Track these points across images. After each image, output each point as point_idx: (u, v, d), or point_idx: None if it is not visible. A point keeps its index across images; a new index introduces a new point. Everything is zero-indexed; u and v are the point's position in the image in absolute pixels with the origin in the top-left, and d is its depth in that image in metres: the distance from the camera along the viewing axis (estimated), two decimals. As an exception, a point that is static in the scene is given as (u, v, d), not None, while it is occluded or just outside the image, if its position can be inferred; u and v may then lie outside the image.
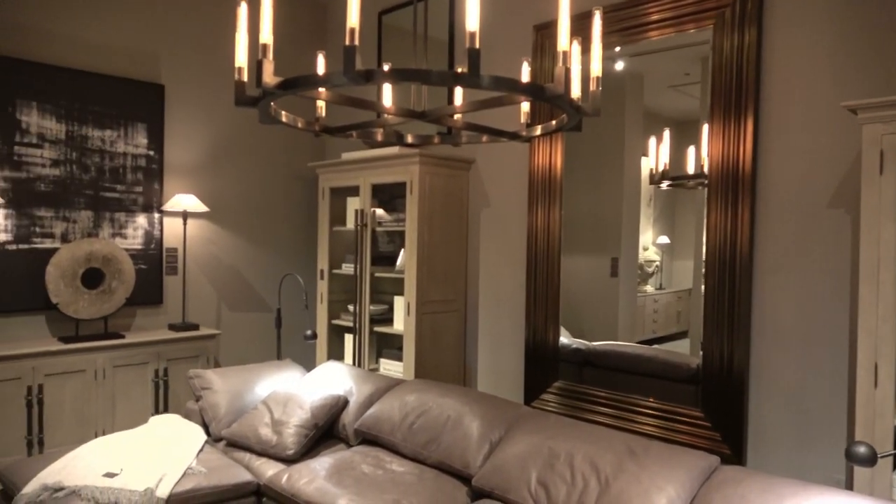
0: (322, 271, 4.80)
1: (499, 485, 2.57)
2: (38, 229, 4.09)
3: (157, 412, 4.26)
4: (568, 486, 2.40)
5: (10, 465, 2.93)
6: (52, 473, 2.73)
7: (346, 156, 4.58)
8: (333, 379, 3.59)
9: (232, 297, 5.03)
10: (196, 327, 4.53)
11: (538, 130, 2.27)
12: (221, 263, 4.97)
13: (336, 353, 4.87)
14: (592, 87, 2.04)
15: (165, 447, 3.07)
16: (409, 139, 2.57)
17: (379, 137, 2.60)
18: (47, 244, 4.13)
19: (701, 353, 3.18)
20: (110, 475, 2.73)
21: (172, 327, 4.52)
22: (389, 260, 4.69)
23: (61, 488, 2.61)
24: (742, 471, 2.22)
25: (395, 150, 4.21)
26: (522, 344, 4.01)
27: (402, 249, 4.46)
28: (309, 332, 3.78)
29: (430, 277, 4.16)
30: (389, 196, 4.70)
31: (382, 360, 4.51)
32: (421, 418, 3.07)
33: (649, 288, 3.86)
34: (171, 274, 4.70)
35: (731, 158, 3.09)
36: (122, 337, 4.17)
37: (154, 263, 4.59)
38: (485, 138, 2.48)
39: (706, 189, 3.19)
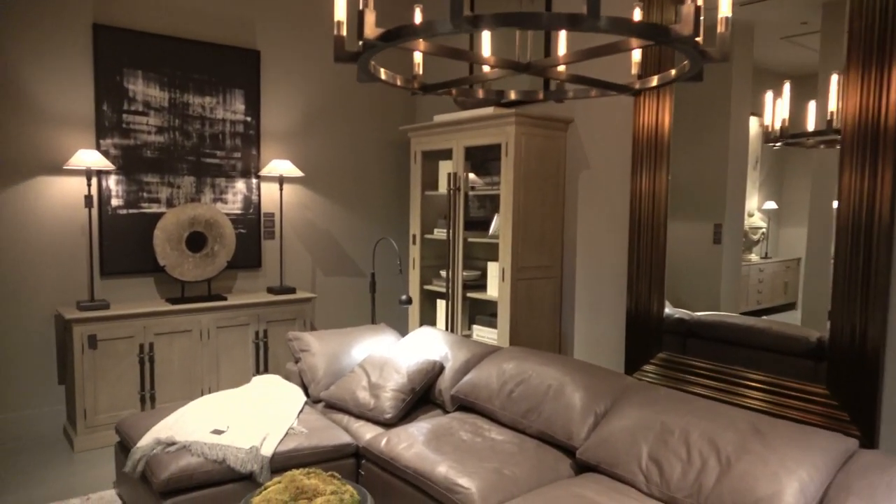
0: (414, 236, 4.76)
1: (606, 459, 2.45)
2: (145, 194, 4.25)
3: (257, 372, 4.39)
4: (683, 463, 2.24)
5: (126, 419, 3.07)
6: (164, 428, 2.83)
7: (438, 118, 4.47)
8: (428, 344, 3.55)
9: (326, 262, 5.09)
10: (293, 291, 4.61)
11: (654, 81, 2.08)
12: (316, 228, 5.02)
13: (428, 319, 4.85)
14: (721, 28, 1.83)
15: (268, 407, 3.13)
16: (512, 95, 2.42)
17: (480, 94, 2.47)
18: (154, 209, 4.28)
19: (828, 325, 2.91)
20: (217, 432, 2.80)
21: (271, 290, 4.62)
22: (483, 225, 4.59)
23: (173, 443, 2.70)
24: (888, 457, 1.99)
25: (489, 110, 4.07)
26: (623, 313, 3.83)
27: (497, 214, 4.34)
28: (404, 297, 3.75)
29: (526, 243, 4.03)
30: (483, 159, 4.57)
31: (475, 327, 4.44)
32: (520, 387, 2.98)
33: (754, 256, 3.59)
34: (269, 238, 4.79)
35: (871, 113, 2.76)
36: (225, 299, 4.30)
37: (252, 228, 4.68)
38: (593, 92, 2.30)
39: (837, 147, 2.87)
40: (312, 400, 3.45)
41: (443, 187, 4.61)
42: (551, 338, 4.23)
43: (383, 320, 5.43)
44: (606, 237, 3.96)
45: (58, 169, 3.95)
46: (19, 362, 3.88)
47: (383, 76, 2.07)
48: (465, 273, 4.40)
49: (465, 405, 3.21)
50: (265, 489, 2.18)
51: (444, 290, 4.59)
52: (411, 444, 2.77)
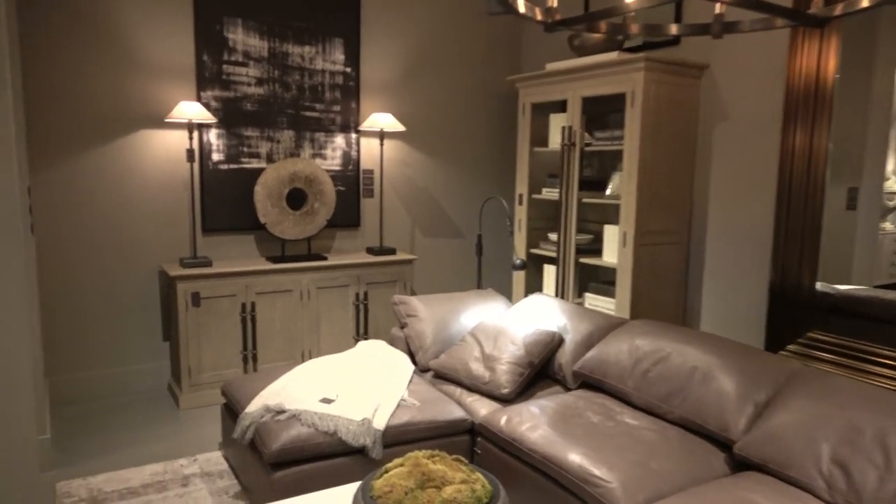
0: (521, 196, 4.42)
1: (774, 457, 2.09)
2: (245, 149, 4.10)
3: (357, 335, 4.23)
4: (880, 471, 1.86)
5: (233, 382, 2.95)
6: (272, 394, 2.68)
7: (551, 66, 4.08)
8: (544, 313, 3.25)
9: (425, 222, 4.85)
10: (393, 251, 4.40)
11: (838, 9, 1.64)
12: (415, 186, 4.77)
13: (534, 285, 4.54)
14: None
15: (376, 375, 2.94)
16: (673, 30, 2.03)
17: (633, 29, 2.09)
18: (254, 164, 4.14)
19: None
20: (327, 401, 2.63)
21: (370, 251, 4.43)
22: (597, 185, 4.20)
23: (282, 410, 2.54)
24: None
25: (612, 55, 3.64)
26: (766, 285, 3.39)
27: (615, 172, 3.94)
28: (518, 261, 3.45)
29: (651, 204, 3.63)
30: (599, 111, 4.16)
31: (588, 295, 4.10)
32: (658, 366, 2.64)
33: (888, 225, 3.10)
34: (368, 196, 4.58)
35: None
36: (325, 258, 4.14)
37: (351, 185, 4.48)
38: (773, 24, 1.87)
39: None
40: (420, 369, 3.24)
41: (554, 143, 4.24)
42: (675, 310, 3.84)
43: (485, 285, 5.16)
44: (745, 200, 3.51)
45: (160, 122, 3.85)
46: (126, 318, 3.87)
47: (521, 7, 1.74)
48: (577, 236, 4.04)
49: (589, 382, 2.90)
50: (386, 471, 1.96)
51: (553, 254, 4.26)
52: (535, 424, 2.50)
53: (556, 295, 4.13)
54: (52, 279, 3.66)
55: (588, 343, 3.03)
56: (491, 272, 5.20)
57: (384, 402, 2.68)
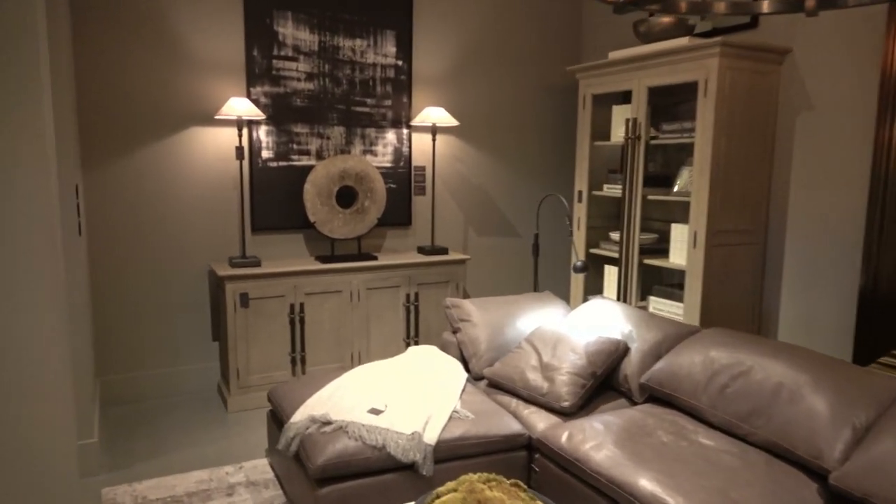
0: (580, 193, 4.19)
1: (879, 492, 1.82)
2: (294, 146, 4.00)
3: (408, 337, 4.09)
4: None
5: (278, 388, 2.83)
6: (318, 403, 2.55)
7: (614, 55, 3.83)
8: (606, 319, 3.03)
9: (478, 221, 4.67)
10: (445, 251, 4.24)
11: None
12: (468, 183, 4.59)
13: (593, 287, 4.30)
14: None
15: (428, 384, 2.77)
16: (764, 7, 1.79)
17: (721, 7, 1.86)
18: (304, 161, 4.04)
19: None
20: (375, 412, 2.48)
21: (421, 250, 4.27)
22: (662, 180, 3.93)
23: (328, 422, 2.40)
24: None
25: (683, 41, 3.38)
26: (854, 289, 3.08)
27: (683, 167, 3.67)
28: (579, 263, 3.23)
29: (725, 201, 3.35)
30: (667, 102, 3.89)
31: (652, 299, 3.84)
32: (738, 381, 2.39)
33: None
34: (419, 194, 4.43)
35: None
36: (375, 258, 4.01)
37: (403, 182, 4.34)
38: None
39: None
40: (473, 376, 3.06)
41: (616, 136, 3.99)
42: (749, 316, 3.54)
43: (541, 287, 4.95)
44: (831, 197, 3.19)
45: (209, 119, 3.79)
46: (176, 317, 3.83)
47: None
48: (641, 236, 3.79)
49: (657, 396, 2.67)
50: (437, 496, 1.79)
51: (614, 254, 4.01)
52: (600, 443, 2.29)
53: (618, 298, 3.89)
54: (103, 279, 3.64)
55: (656, 353, 2.79)
56: (547, 274, 4.98)
57: (435, 414, 2.52)
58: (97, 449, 2.90)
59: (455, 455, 2.43)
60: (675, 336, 2.83)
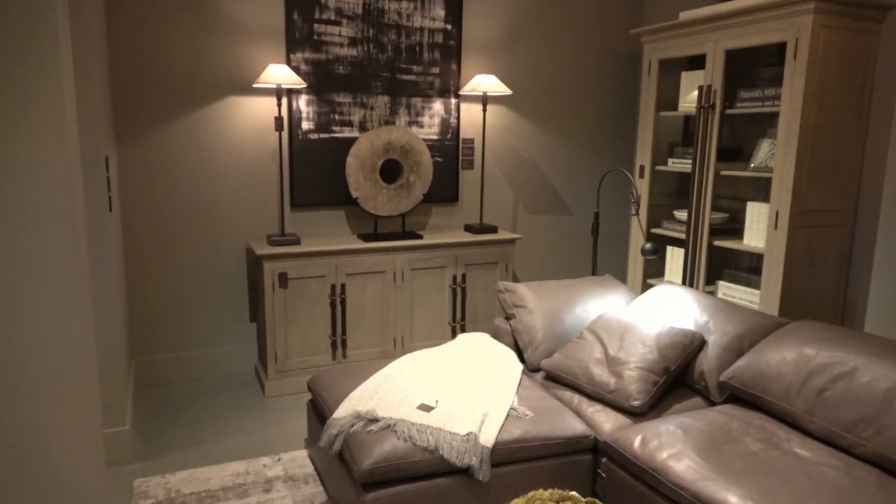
0: (642, 168, 3.86)
1: None
2: (337, 117, 3.76)
3: (454, 321, 3.85)
4: None
5: (320, 377, 2.63)
6: (364, 396, 2.34)
7: (686, 15, 3.47)
8: (677, 307, 2.74)
9: (529, 197, 4.37)
10: (494, 230, 3.97)
11: None
12: (520, 157, 4.30)
13: (653, 270, 3.99)
14: None
15: (481, 376, 2.54)
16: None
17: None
18: (346, 133, 3.80)
19: None
20: (425, 408, 2.25)
21: (469, 229, 4.01)
22: (734, 154, 3.58)
23: (375, 419, 2.19)
24: None
25: (769, -3, 3.00)
26: (966, 280, 2.71)
27: (762, 139, 3.31)
28: (648, 246, 2.93)
29: (813, 178, 3.00)
30: (744, 67, 3.52)
31: (722, 284, 3.51)
32: (839, 384, 2.08)
33: None
34: (467, 168, 4.15)
35: None
36: (420, 237, 3.76)
37: (450, 156, 4.07)
38: None
39: None
40: (528, 367, 2.81)
41: (685, 105, 3.64)
42: (832, 304, 3.20)
43: (597, 270, 4.64)
44: (941, 172, 2.81)
45: (247, 88, 3.57)
46: (213, 297, 3.66)
47: None
48: (713, 215, 3.46)
49: (739, 396, 2.38)
50: (503, 515, 1.56)
51: (680, 235, 3.69)
52: (680, 451, 2.02)
53: (683, 282, 3.58)
54: (138, 256, 3.48)
55: (737, 348, 2.49)
56: (601, 255, 4.67)
57: (492, 412, 2.28)
58: (129, 437, 2.75)
59: (514, 458, 2.19)
60: (760, 329, 2.53)
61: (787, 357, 2.27)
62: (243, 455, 2.84)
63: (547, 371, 2.67)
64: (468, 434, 2.12)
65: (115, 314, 2.65)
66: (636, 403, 2.35)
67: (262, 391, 3.51)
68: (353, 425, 2.18)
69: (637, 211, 3.11)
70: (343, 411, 2.27)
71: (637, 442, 2.13)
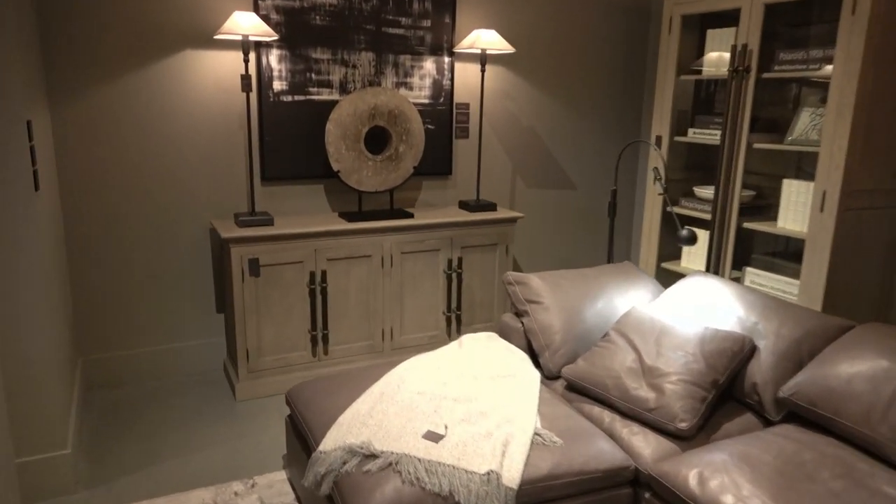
0: (658, 138, 3.45)
1: None
2: (314, 76, 3.25)
3: (448, 311, 3.43)
4: None
5: (302, 391, 2.20)
6: (356, 422, 1.91)
7: (718, -37, 3.02)
8: (715, 304, 2.36)
9: (529, 169, 3.94)
10: (493, 207, 3.53)
11: None
12: (518, 125, 3.84)
13: (667, 253, 3.61)
14: None
15: (495, 389, 2.13)
16: None
17: None
18: (325, 96, 3.29)
19: None
20: (433, 437, 1.84)
21: (465, 206, 3.57)
22: (769, 125, 3.19)
23: (372, 455, 1.77)
24: None
25: (824, -60, 2.57)
26: None
27: (803, 108, 2.92)
28: (685, 232, 2.52)
29: (866, 155, 2.62)
30: (785, 24, 3.09)
31: (750, 270, 3.15)
32: (939, 410, 1.73)
33: None
34: (462, 137, 3.69)
35: None
36: (412, 216, 3.31)
37: (443, 123, 3.59)
38: None
39: None
40: (545, 374, 2.42)
41: (711, 68, 3.22)
42: (876, 297, 2.86)
43: (600, 252, 4.26)
44: None
45: (208, 39, 3.03)
46: (172, 284, 3.17)
47: None
48: (743, 193, 3.08)
49: (801, 415, 2.02)
50: None
51: (701, 214, 3.30)
52: (748, 492, 1.65)
53: (708, 269, 3.21)
54: (82, 239, 2.97)
55: (796, 356, 2.12)
56: (603, 234, 4.28)
57: (513, 438, 1.88)
58: (70, 462, 2.29)
59: (542, 499, 1.80)
60: (820, 333, 2.16)
61: (861, 370, 1.91)
62: (210, 478, 2.41)
63: (570, 381, 2.28)
64: (488, 473, 1.72)
65: (47, 314, 2.17)
66: (683, 425, 1.97)
67: (233, 393, 3.07)
68: (344, 462, 1.76)
69: (665, 189, 2.70)
70: (332, 442, 1.84)
71: (693, 478, 1.76)
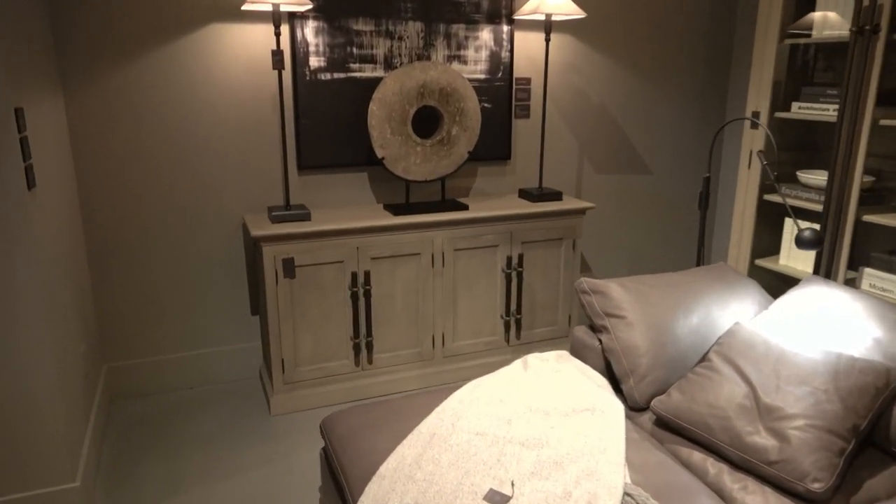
0: (756, 115, 2.94)
1: None
2: (355, 50, 2.87)
3: (507, 315, 3.04)
4: None
5: (337, 423, 1.85)
6: (400, 473, 1.55)
7: None
8: (842, 319, 1.89)
9: (598, 152, 3.48)
10: (558, 196, 3.10)
11: None
12: (587, 102, 3.38)
13: (761, 248, 3.12)
14: None
15: (571, 430, 1.73)
16: None
17: None
18: (367, 73, 2.92)
19: None
20: (497, 498, 1.46)
21: (526, 195, 3.15)
22: (893, 97, 2.65)
23: (420, 523, 1.41)
24: None
25: None
26: None
27: (946, 76, 2.37)
28: (808, 233, 2.04)
29: None
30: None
31: (869, 272, 2.64)
32: None
33: None
34: (523, 117, 3.26)
35: None
36: (466, 208, 2.92)
37: (500, 101, 3.17)
38: None
39: None
40: (629, 404, 2.01)
41: (823, 29, 2.69)
42: None
43: (679, 247, 3.78)
44: None
45: (235, 11, 2.69)
46: (202, 285, 2.88)
47: None
48: (864, 179, 2.57)
49: (975, 475, 1.55)
50: None
51: (809, 204, 2.79)
52: None
53: (817, 270, 2.71)
54: (104, 239, 2.70)
55: (964, 395, 1.65)
56: (677, 225, 3.79)
57: (597, 500, 1.48)
58: (80, 494, 2.01)
59: (638, 585, 1.41)
60: None
61: None
62: (237, 515, 2.11)
63: (661, 417, 1.86)
64: (569, 554, 1.33)
65: (50, 328, 1.88)
66: (817, 486, 1.53)
67: (268, 408, 2.76)
68: (386, 534, 1.40)
69: (776, 177, 2.22)
70: (371, 500, 1.49)
71: (839, 567, 1.33)
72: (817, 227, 2.72)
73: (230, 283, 2.92)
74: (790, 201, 2.90)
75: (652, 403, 1.89)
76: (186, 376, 2.93)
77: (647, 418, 1.95)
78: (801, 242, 2.05)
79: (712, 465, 1.71)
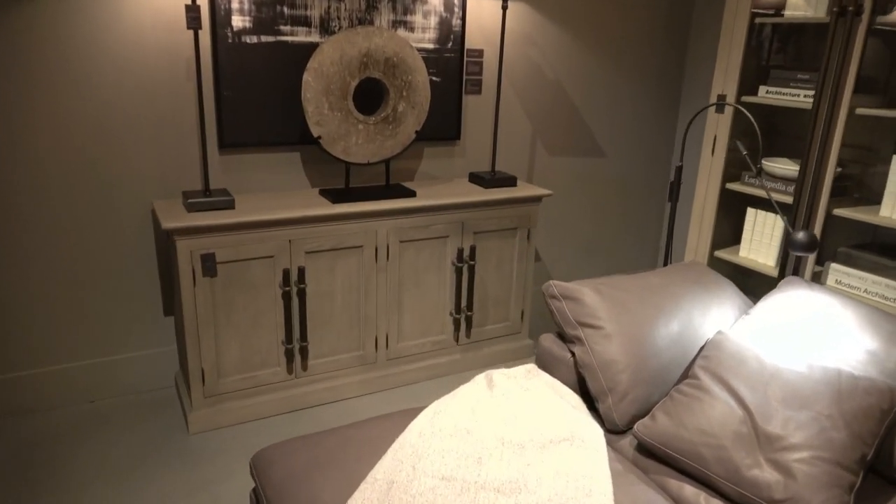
0: (723, 97, 2.76)
1: None
2: (286, 10, 2.49)
3: (457, 313, 2.78)
4: None
5: (270, 461, 1.54)
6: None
7: None
8: (832, 327, 1.74)
9: (552, 134, 3.24)
10: (512, 182, 2.84)
11: None
12: (543, 78, 3.12)
13: (723, 240, 2.98)
14: None
15: (550, 466, 1.49)
16: None
17: None
18: (301, 37, 2.54)
19: None
20: (473, 567, 1.20)
21: (477, 179, 2.88)
22: (870, 85, 2.52)
23: None
24: None
25: None
26: None
27: (926, 63, 2.25)
28: (802, 236, 1.84)
29: None
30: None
31: (835, 267, 2.53)
32: None
33: None
34: (473, 93, 2.97)
35: None
36: (414, 194, 2.61)
37: (450, 75, 2.86)
38: None
39: None
40: (607, 426, 1.79)
41: (797, 8, 2.52)
42: None
43: (635, 235, 3.60)
44: None
45: (142, -43, 2.25)
46: (105, 283, 2.46)
47: None
48: (838, 170, 2.43)
49: None
50: None
51: (777, 195, 2.65)
52: None
53: (783, 264, 2.58)
54: (-22, 224, 2.24)
55: (974, 419, 1.51)
56: (633, 214, 3.62)
57: (589, 562, 1.25)
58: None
59: None
60: None
61: None
62: (147, 566, 1.77)
63: (646, 445, 1.65)
64: None
65: None
66: (828, 530, 1.36)
67: (186, 426, 2.40)
68: None
69: (759, 171, 2.02)
70: (318, 581, 1.20)
71: None
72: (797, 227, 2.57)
73: (139, 279, 2.51)
74: (752, 191, 2.75)
75: (635, 428, 1.67)
76: (86, 388, 2.51)
77: (627, 442, 1.73)
78: (793, 246, 1.87)
79: (704, 499, 1.52)
